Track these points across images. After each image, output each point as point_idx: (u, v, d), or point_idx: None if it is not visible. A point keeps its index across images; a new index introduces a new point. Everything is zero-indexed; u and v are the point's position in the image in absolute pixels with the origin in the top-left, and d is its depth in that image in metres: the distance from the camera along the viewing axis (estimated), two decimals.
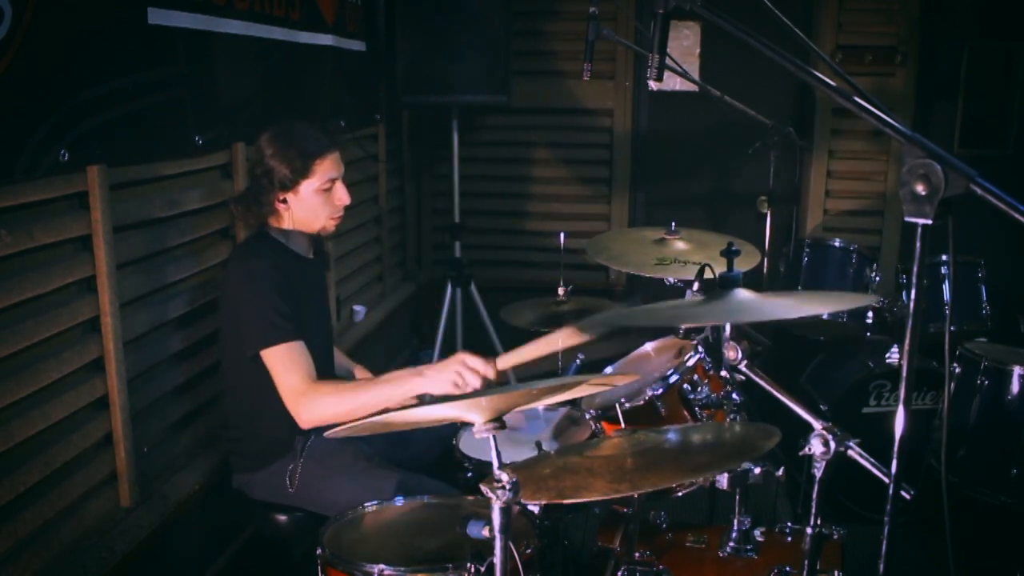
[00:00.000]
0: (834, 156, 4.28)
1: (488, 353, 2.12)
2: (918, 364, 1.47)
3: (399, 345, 4.46)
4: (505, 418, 1.41)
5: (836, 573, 1.74)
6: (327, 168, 2.19)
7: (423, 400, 2.06)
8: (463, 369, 2.04)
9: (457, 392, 2.02)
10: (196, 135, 2.35)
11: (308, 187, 2.18)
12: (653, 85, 4.38)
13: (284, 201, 2.19)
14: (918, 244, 1.18)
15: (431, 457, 2.43)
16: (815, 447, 1.50)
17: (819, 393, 3.35)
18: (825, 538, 1.71)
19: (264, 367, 2.08)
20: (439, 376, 2.04)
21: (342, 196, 2.24)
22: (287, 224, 2.23)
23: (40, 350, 1.87)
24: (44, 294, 1.86)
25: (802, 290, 3.46)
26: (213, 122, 2.44)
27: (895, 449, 1.26)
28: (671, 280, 2.67)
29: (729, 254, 1.95)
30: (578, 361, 2.52)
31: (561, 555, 1.91)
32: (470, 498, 1.97)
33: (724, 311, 1.72)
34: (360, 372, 2.56)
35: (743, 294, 1.74)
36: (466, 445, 2.27)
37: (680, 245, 2.76)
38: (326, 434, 1.51)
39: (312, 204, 2.20)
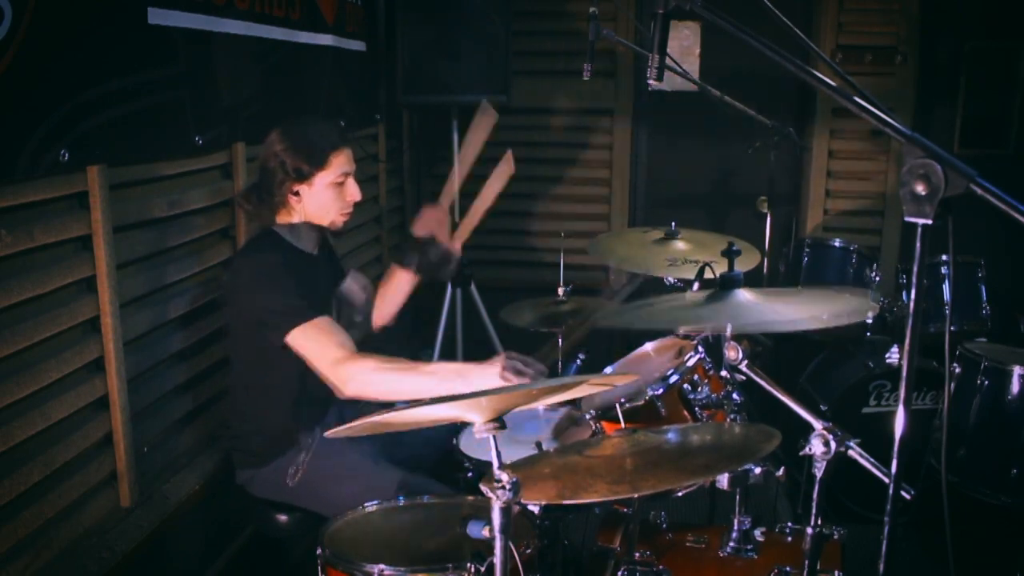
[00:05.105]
0: (834, 156, 4.27)
1: (490, 353, 2.11)
2: (918, 364, 1.47)
3: (399, 345, 4.45)
4: (505, 418, 1.41)
5: (836, 573, 1.73)
6: (342, 162, 2.20)
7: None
8: (510, 373, 1.97)
9: None
10: (196, 135, 2.36)
11: (323, 180, 2.18)
12: (653, 85, 4.37)
13: (297, 194, 2.19)
14: (918, 244, 1.18)
15: (431, 457, 2.43)
16: (815, 447, 1.50)
17: (819, 393, 3.35)
18: (825, 538, 1.70)
19: (273, 362, 2.09)
20: (484, 379, 1.97)
21: (354, 192, 2.24)
22: (297, 218, 2.23)
23: (40, 350, 1.87)
24: (44, 294, 1.86)
25: (802, 288, 3.46)
26: (213, 122, 2.44)
27: (895, 449, 1.26)
28: (671, 280, 2.67)
29: (729, 254, 1.96)
30: (578, 361, 2.53)
31: (561, 555, 1.91)
32: (470, 498, 1.97)
33: (723, 315, 1.72)
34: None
35: (744, 296, 1.74)
36: (466, 445, 2.27)
37: (680, 245, 2.76)
38: (326, 434, 1.51)
39: (325, 198, 2.20)
